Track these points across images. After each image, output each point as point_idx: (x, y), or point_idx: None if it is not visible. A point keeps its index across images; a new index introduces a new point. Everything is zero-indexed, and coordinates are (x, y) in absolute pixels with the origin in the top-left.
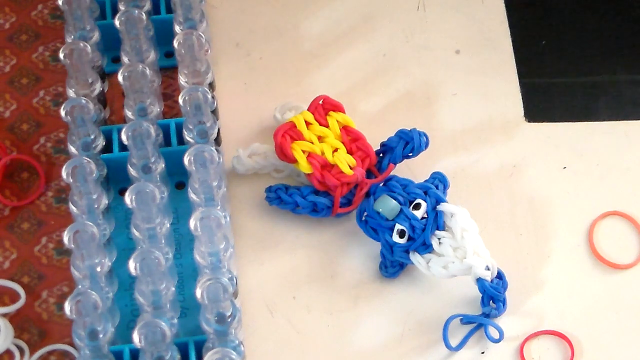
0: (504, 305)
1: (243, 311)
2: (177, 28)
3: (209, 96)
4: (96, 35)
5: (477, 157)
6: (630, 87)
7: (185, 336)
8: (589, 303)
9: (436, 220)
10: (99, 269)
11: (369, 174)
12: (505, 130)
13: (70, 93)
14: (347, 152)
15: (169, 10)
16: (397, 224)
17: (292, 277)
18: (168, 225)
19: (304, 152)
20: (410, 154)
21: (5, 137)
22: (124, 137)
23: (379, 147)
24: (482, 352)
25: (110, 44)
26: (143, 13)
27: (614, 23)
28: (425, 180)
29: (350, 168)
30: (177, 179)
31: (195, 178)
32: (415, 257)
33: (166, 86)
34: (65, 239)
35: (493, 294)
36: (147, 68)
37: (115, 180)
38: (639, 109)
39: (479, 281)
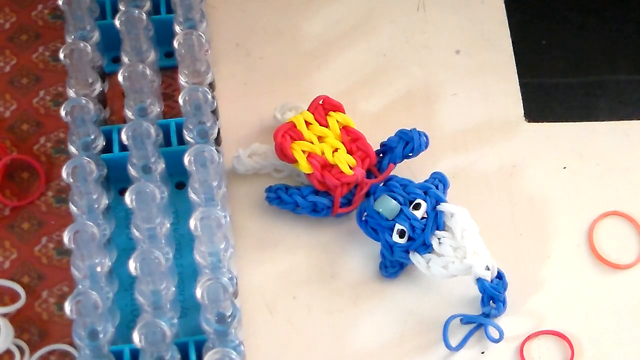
0: (504, 305)
1: (243, 311)
2: (177, 28)
3: (209, 96)
4: (96, 35)
5: (477, 157)
6: (630, 87)
7: (185, 336)
8: (589, 303)
9: (436, 220)
10: (99, 269)
11: (369, 174)
12: (505, 130)
13: (70, 93)
14: (347, 152)
15: (169, 10)
16: (397, 224)
17: (292, 277)
18: (168, 225)
19: (304, 152)
20: (410, 154)
21: (5, 137)
22: (124, 137)
23: (379, 147)
24: (482, 352)
25: (110, 44)
26: (143, 13)
27: (614, 23)
28: (425, 180)
29: (350, 168)
30: (177, 179)
31: (195, 178)
32: (415, 257)
33: (166, 86)
34: (65, 239)
35: (493, 294)
36: (147, 68)
37: (115, 180)
38: (639, 109)
39: (479, 281)
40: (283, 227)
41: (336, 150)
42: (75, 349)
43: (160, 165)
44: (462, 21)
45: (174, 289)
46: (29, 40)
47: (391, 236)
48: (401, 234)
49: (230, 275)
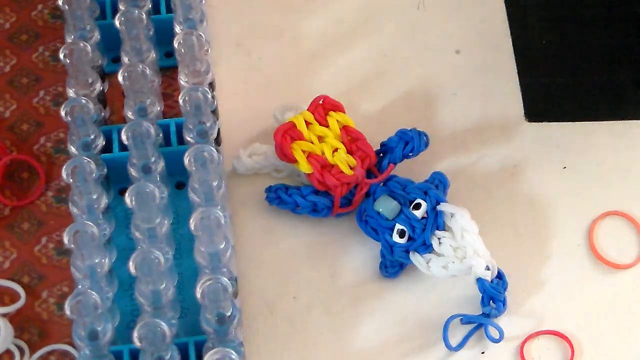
0: (504, 305)
1: (243, 311)
2: (177, 28)
3: (209, 96)
4: (96, 35)
5: (477, 157)
6: (630, 87)
7: (185, 336)
8: (589, 303)
9: (436, 220)
10: (99, 269)
11: (369, 174)
12: (505, 130)
13: (70, 93)
14: (347, 152)
15: (169, 10)
16: (397, 224)
17: (292, 277)
18: (168, 225)
19: (304, 152)
20: (410, 154)
21: (5, 137)
22: (124, 137)
23: (379, 147)
24: (482, 352)
25: (110, 44)
26: (143, 13)
27: (614, 23)
28: (425, 180)
29: (350, 168)
30: (177, 179)
31: (195, 178)
32: (415, 257)
33: (166, 86)
34: (65, 239)
35: (493, 294)
36: (147, 68)
37: (115, 180)
38: (639, 109)
39: (479, 281)
40: (283, 227)
41: (336, 150)
42: (75, 349)
43: (160, 165)
44: (462, 21)
45: (174, 289)
46: (29, 40)
47: (391, 236)
48: (401, 234)
49: (230, 275)
